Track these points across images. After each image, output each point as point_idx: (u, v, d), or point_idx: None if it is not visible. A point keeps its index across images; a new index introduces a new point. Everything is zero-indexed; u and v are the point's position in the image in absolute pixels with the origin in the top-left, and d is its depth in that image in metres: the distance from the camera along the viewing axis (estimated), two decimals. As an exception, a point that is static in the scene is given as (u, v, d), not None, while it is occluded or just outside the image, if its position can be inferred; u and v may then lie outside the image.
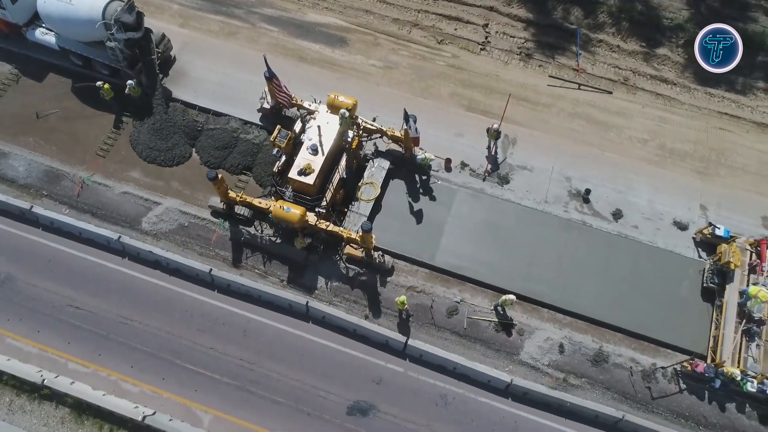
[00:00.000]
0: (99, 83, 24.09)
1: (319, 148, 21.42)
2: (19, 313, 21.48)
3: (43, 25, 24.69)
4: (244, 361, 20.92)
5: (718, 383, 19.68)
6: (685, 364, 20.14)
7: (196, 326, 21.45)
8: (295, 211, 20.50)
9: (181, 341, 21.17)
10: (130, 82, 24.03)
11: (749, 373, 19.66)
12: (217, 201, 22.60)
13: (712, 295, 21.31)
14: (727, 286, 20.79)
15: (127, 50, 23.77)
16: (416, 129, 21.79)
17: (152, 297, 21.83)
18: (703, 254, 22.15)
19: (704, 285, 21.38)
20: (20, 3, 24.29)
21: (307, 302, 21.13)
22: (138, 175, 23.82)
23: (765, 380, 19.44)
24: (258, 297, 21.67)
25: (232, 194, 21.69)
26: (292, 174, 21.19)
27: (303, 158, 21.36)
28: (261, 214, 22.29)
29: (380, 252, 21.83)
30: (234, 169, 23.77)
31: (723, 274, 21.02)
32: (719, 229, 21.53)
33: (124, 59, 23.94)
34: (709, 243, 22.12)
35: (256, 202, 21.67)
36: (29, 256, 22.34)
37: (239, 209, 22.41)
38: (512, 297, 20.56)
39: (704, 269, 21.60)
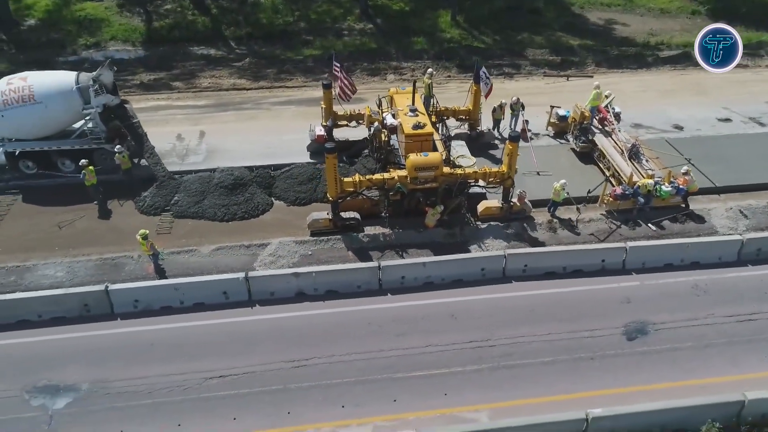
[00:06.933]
0: (83, 162, 19.99)
1: (417, 110, 20.21)
2: (141, 412, 13.90)
3: None
4: (475, 341, 15.80)
5: (641, 200, 19.60)
6: (604, 197, 20.01)
7: (393, 333, 16.04)
8: (434, 154, 18.58)
9: (386, 353, 15.45)
10: (119, 147, 20.51)
11: (656, 179, 19.91)
12: (319, 216, 19.05)
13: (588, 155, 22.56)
14: (594, 138, 22.36)
15: (103, 123, 20.86)
16: (487, 80, 21.78)
17: (317, 331, 16.15)
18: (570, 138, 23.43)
19: (577, 150, 22.70)
20: None
21: (505, 256, 17.70)
22: (218, 236, 19.18)
23: (672, 179, 19.83)
24: (442, 280, 17.54)
25: (352, 179, 18.61)
26: (408, 131, 19.24)
27: (408, 118, 19.67)
28: (384, 191, 19.18)
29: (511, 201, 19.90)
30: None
31: (586, 131, 22.62)
32: (561, 109, 23.57)
33: (103, 132, 20.96)
34: (559, 126, 23.89)
35: (380, 175, 18.94)
36: (111, 353, 15.42)
37: (348, 214, 19.05)
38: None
39: (570, 138, 23.24)
